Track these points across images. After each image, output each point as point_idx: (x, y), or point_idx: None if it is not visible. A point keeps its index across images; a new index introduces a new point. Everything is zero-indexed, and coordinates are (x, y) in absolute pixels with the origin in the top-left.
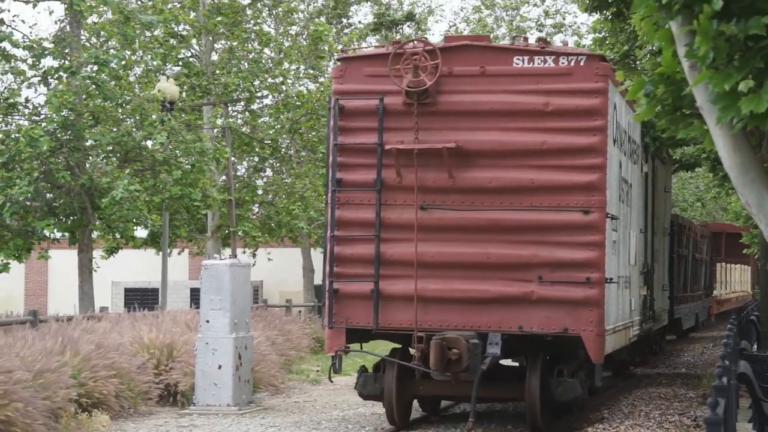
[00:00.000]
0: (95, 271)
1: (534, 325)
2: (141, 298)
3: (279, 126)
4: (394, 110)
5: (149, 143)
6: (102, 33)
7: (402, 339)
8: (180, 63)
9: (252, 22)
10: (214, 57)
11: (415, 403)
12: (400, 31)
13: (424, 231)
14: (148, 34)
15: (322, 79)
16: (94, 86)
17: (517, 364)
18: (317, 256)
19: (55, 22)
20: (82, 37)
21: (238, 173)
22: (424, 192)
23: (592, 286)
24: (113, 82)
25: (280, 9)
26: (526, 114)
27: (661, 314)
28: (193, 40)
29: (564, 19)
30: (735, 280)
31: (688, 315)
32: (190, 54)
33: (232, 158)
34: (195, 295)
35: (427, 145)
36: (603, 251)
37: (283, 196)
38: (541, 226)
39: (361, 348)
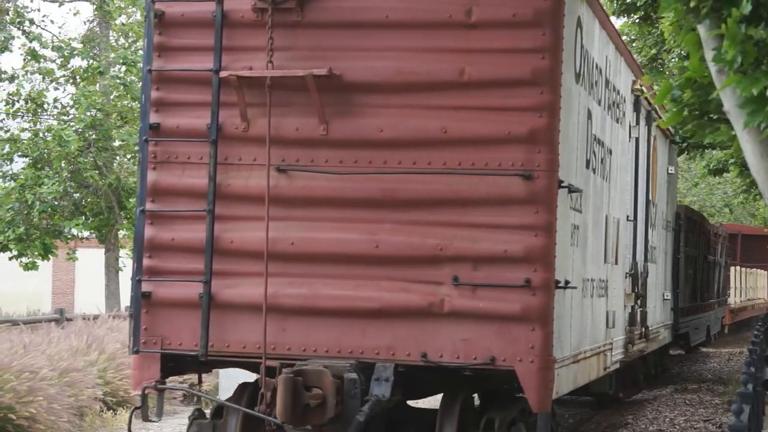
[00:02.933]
0: (122, 270)
1: (445, 352)
2: None
3: None
4: (240, 20)
5: None
6: (130, 33)
7: (258, 368)
8: None
9: None
10: None
11: None
12: None
13: (282, 206)
14: None
15: None
16: (122, 86)
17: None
18: None
19: (84, 23)
20: (111, 38)
21: None
22: (283, 146)
23: (533, 293)
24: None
25: None
26: (437, 27)
27: (659, 330)
28: None
29: None
30: (751, 287)
31: (697, 328)
32: None
33: None
34: None
35: (286, 73)
36: (552, 239)
37: None
38: (458, 199)
39: (200, 382)
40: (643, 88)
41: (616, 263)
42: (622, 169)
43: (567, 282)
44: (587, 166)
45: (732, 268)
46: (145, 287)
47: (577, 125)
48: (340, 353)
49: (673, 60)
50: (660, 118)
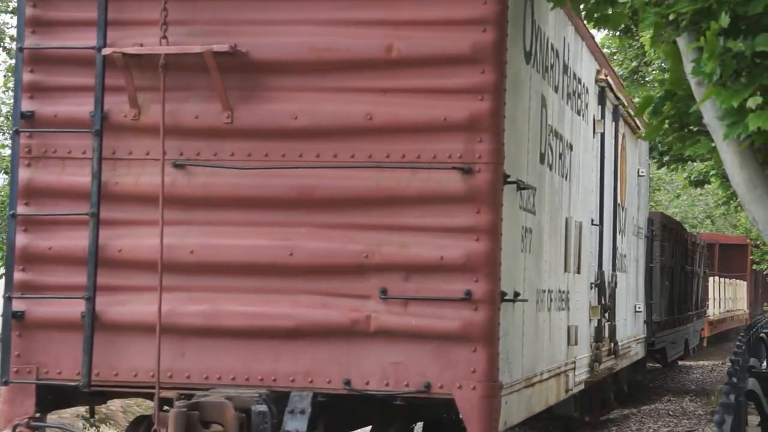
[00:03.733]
0: None
1: (372, 378)
2: None
3: None
4: None
5: None
6: None
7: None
8: None
9: None
10: None
11: None
12: None
13: (180, 207)
14: None
15: None
16: None
17: None
18: None
19: None
20: None
21: None
22: (180, 137)
23: (475, 307)
24: None
25: None
26: None
27: (630, 345)
28: None
29: None
30: (731, 297)
31: (674, 342)
32: None
33: None
34: None
35: (182, 50)
36: (497, 243)
37: None
38: (387, 197)
39: (92, 416)
40: (608, 78)
41: (579, 272)
42: (585, 167)
43: (516, 294)
44: (542, 161)
45: (711, 279)
46: (17, 306)
47: (527, 112)
48: (248, 381)
49: (653, 72)
50: (629, 113)
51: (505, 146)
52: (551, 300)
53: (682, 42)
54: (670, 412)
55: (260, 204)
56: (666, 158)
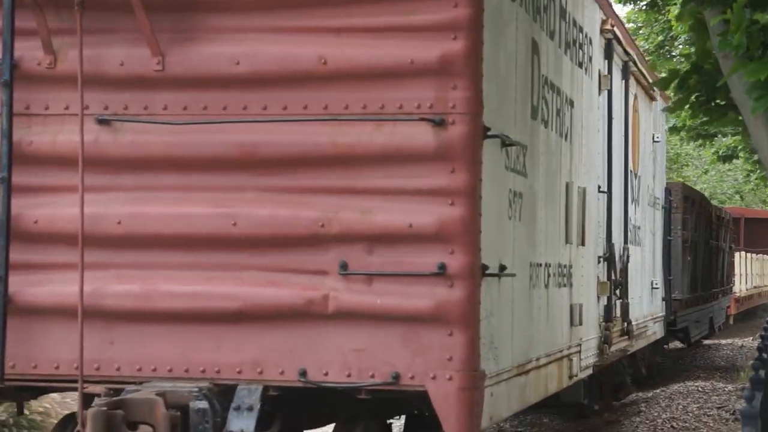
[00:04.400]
0: None
1: (332, 367)
2: None
3: None
4: None
5: None
6: None
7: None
8: None
9: None
10: None
11: None
12: None
13: (105, 170)
14: None
15: None
16: None
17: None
18: None
19: None
20: None
21: None
22: (104, 87)
23: (450, 283)
24: None
25: None
26: None
27: (647, 324)
28: None
29: None
30: (758, 273)
31: (698, 321)
32: None
33: None
34: None
35: None
36: (476, 208)
37: None
38: (346, 155)
39: (20, 413)
40: (616, 30)
41: (583, 244)
42: (589, 127)
43: (502, 268)
44: (534, 116)
45: (737, 254)
46: None
47: (514, 57)
48: (188, 373)
49: (679, 47)
50: (641, 72)
51: (484, 94)
52: (548, 275)
53: (708, 15)
54: (700, 389)
55: (198, 165)
56: (684, 133)
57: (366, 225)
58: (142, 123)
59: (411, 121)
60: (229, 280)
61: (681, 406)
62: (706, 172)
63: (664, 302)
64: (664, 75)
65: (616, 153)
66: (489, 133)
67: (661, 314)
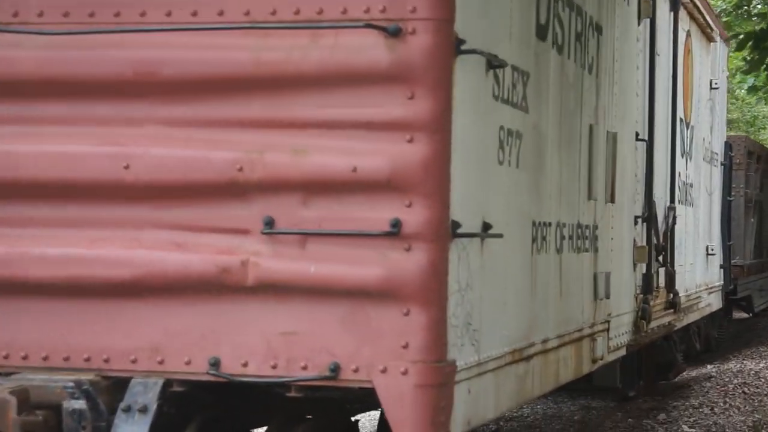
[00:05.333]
0: None
1: (253, 357)
2: None
3: None
4: None
5: None
6: None
7: None
8: None
9: None
10: None
11: None
12: None
13: None
14: None
15: None
16: None
17: None
18: None
19: None
20: None
21: None
22: None
23: (407, 246)
24: None
25: None
26: None
27: (700, 296)
28: None
29: None
30: None
31: (763, 289)
32: None
33: None
34: None
35: None
36: (444, 147)
37: None
38: (272, 76)
39: None
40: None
41: (613, 201)
42: (625, 60)
43: (486, 227)
44: (541, 35)
45: None
46: None
47: None
48: (69, 362)
49: (758, 6)
50: (695, 5)
51: None
52: (562, 237)
53: None
54: None
55: (81, 89)
56: (762, 93)
57: (298, 169)
58: (10, 33)
59: (357, 30)
60: (121, 241)
61: (753, 372)
62: None
63: (722, 270)
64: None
65: (660, 96)
66: (464, 48)
67: (718, 283)
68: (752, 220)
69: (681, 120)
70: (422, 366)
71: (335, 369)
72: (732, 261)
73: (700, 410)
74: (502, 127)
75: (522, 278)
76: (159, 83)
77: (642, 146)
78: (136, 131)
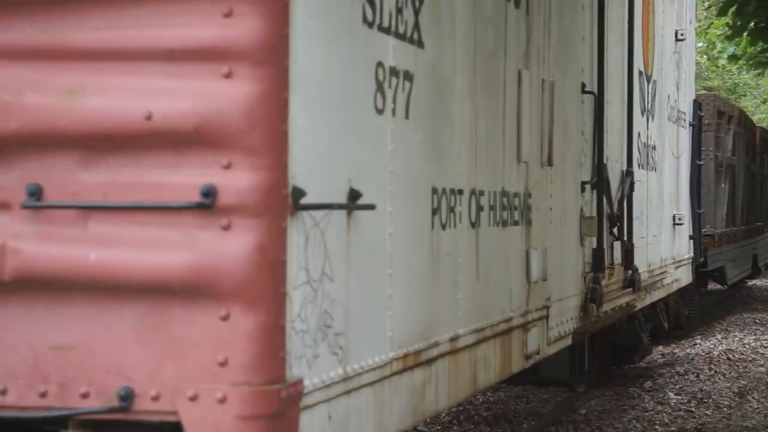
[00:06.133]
0: None
1: (13, 379)
2: None
3: None
4: None
5: None
6: None
7: None
8: None
9: None
10: None
11: None
12: None
13: None
14: None
15: None
16: None
17: None
18: None
19: None
20: None
21: None
22: None
23: (226, 223)
24: None
25: None
26: None
27: (665, 271)
28: None
29: None
30: None
31: (735, 260)
32: None
33: None
34: None
35: None
36: (276, 85)
37: None
38: None
39: None
40: None
41: (551, 164)
42: None
43: (353, 196)
44: None
45: None
46: None
47: None
48: None
49: None
50: None
51: None
52: (479, 208)
53: None
54: (757, 321)
55: None
56: (743, 61)
57: (72, 116)
58: None
59: None
60: None
61: (737, 338)
62: (765, 101)
63: (691, 241)
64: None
65: (613, 43)
66: None
67: (687, 256)
68: (723, 185)
69: (641, 73)
70: (247, 390)
71: (127, 396)
72: (702, 231)
73: (686, 377)
74: (380, 64)
75: (416, 261)
76: None
77: (589, 99)
78: None
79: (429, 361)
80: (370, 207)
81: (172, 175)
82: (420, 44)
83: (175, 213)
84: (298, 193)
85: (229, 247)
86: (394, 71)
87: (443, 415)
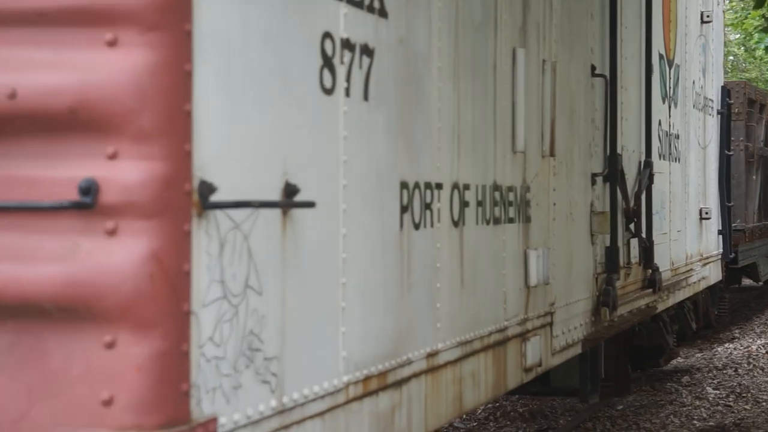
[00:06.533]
0: None
1: None
2: None
3: None
4: None
5: None
6: None
7: None
8: None
9: None
10: None
11: None
12: None
13: None
14: None
15: None
16: None
17: None
18: None
19: None
20: None
21: None
22: None
23: (111, 227)
24: None
25: None
26: None
27: (691, 269)
28: None
29: None
30: None
31: None
32: None
33: None
34: None
35: None
36: (177, 53)
37: None
38: None
39: None
40: None
41: (553, 154)
42: None
43: (291, 191)
44: None
45: None
46: None
47: None
48: None
49: None
50: None
51: None
52: (464, 204)
53: None
54: None
55: None
56: None
57: None
58: None
59: None
60: None
61: None
62: None
63: (720, 236)
64: None
65: (629, 21)
66: None
67: (715, 252)
68: (755, 177)
69: (661, 56)
70: None
71: None
72: (732, 225)
73: (724, 372)
74: (328, 35)
75: (380, 267)
76: None
77: (600, 83)
78: None
79: (399, 383)
80: (309, 204)
81: (44, 168)
82: (382, 13)
83: (47, 215)
84: (208, 188)
85: (114, 256)
86: (347, 44)
87: (479, 411)
